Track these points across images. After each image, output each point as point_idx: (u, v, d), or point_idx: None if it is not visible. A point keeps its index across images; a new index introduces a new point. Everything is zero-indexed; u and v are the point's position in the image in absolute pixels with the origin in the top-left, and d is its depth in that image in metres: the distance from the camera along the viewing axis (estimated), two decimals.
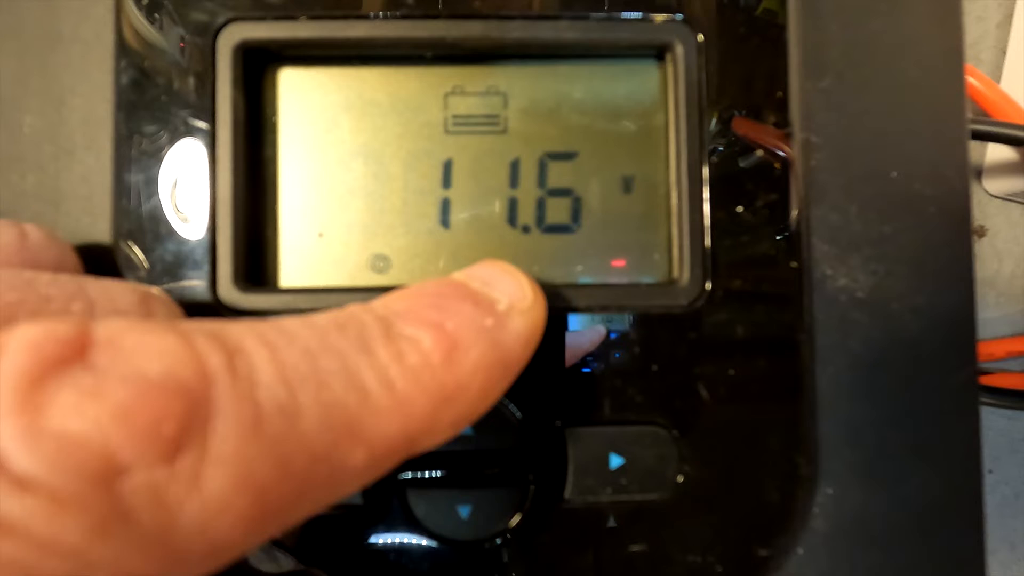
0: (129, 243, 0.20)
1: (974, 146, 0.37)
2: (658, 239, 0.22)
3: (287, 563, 0.20)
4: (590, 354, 0.21)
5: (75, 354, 0.12)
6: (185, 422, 0.12)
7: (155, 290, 0.18)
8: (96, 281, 0.16)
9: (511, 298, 0.17)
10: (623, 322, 0.21)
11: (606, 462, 0.21)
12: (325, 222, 0.22)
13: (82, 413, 0.11)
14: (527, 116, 0.22)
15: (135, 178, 0.21)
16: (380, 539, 0.21)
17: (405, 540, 0.21)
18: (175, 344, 0.13)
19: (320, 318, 0.15)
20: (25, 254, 0.17)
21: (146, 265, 0.20)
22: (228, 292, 0.21)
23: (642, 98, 0.22)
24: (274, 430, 0.13)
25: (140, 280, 0.20)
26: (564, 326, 0.21)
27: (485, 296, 0.17)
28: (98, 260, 0.20)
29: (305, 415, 0.13)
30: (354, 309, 0.16)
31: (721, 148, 0.21)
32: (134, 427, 0.11)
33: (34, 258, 0.17)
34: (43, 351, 0.11)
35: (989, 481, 0.38)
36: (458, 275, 0.18)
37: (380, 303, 0.16)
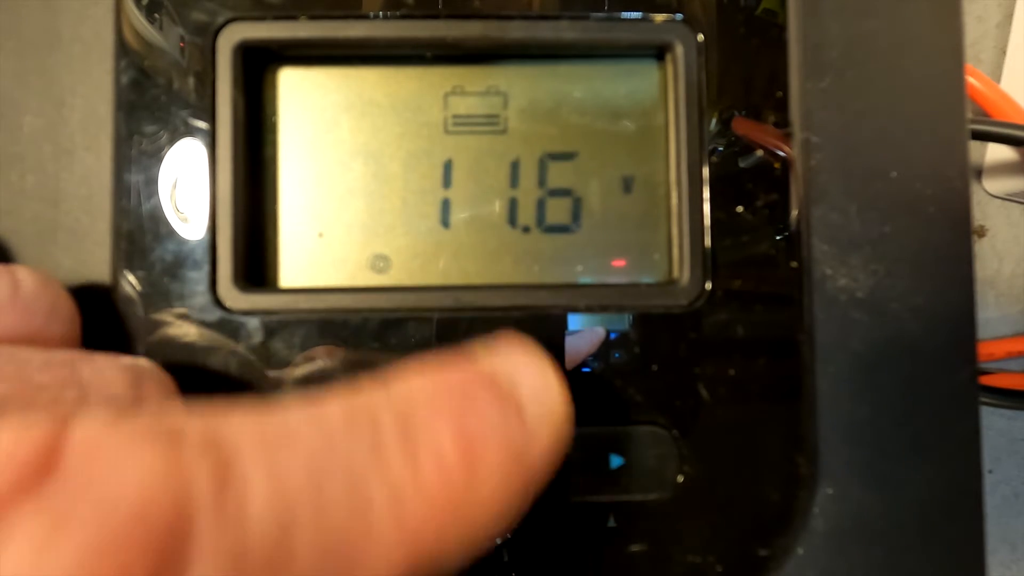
0: (127, 256, 0.20)
1: (974, 146, 0.37)
2: (658, 239, 0.22)
3: None
4: (590, 356, 0.21)
5: (41, 473, 0.11)
6: (159, 563, 0.11)
7: (146, 364, 0.17)
8: (89, 360, 0.16)
9: (540, 403, 0.15)
10: (623, 322, 0.21)
11: (606, 462, 0.21)
12: (325, 222, 0.22)
13: (43, 556, 0.10)
14: (527, 116, 0.22)
15: (135, 178, 0.21)
16: None
17: None
18: (158, 459, 0.11)
19: (331, 410, 0.13)
20: (18, 304, 0.17)
21: (143, 271, 0.20)
22: (228, 292, 0.21)
23: (642, 98, 0.22)
24: (260, 573, 0.11)
25: (140, 274, 0.20)
26: (564, 326, 0.21)
27: (512, 398, 0.15)
28: (97, 262, 0.20)
29: (298, 557, 0.12)
30: (370, 399, 0.14)
31: (721, 148, 0.21)
32: (100, 573, 0.10)
33: (27, 308, 0.17)
34: (5, 473, 0.11)
35: (989, 481, 0.37)
36: (485, 361, 0.16)
37: (400, 390, 0.14)
